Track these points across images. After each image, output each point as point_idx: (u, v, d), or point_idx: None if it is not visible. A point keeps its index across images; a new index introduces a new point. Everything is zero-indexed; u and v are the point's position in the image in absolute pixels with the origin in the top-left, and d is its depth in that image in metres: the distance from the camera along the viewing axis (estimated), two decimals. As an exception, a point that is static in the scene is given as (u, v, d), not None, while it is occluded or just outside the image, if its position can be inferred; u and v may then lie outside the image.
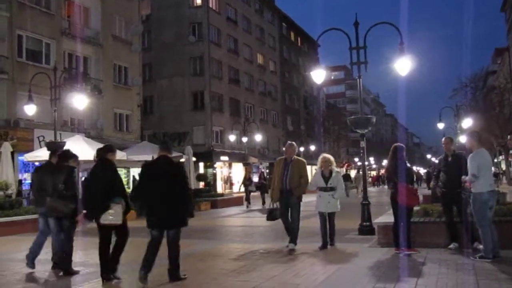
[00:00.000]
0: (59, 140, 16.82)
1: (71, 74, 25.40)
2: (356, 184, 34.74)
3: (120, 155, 16.11)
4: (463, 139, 19.76)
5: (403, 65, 10.90)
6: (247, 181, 24.41)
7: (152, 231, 6.53)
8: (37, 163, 21.56)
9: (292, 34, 63.67)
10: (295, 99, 62.76)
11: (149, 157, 18.52)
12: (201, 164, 38.91)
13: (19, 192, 18.95)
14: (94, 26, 28.96)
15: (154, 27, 41.97)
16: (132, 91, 32.07)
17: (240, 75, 47.86)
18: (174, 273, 6.49)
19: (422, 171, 68.10)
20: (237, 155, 41.72)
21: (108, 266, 6.66)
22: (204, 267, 7.63)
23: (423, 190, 22.74)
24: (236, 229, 14.59)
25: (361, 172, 20.51)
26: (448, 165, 8.59)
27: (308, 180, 9.22)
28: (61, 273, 7.25)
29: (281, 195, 9.03)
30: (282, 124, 57.17)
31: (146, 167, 6.86)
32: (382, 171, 63.43)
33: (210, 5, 43.43)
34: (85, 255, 8.78)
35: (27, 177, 23.99)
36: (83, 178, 13.61)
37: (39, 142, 22.25)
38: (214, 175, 41.56)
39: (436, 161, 12.26)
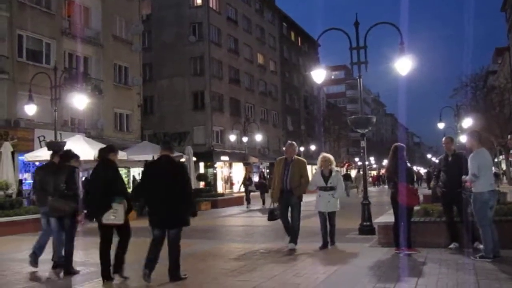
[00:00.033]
0: (59, 140, 16.83)
1: (71, 74, 25.39)
2: (356, 184, 34.72)
3: (120, 155, 16.08)
4: (463, 138, 19.75)
5: (404, 65, 10.90)
6: (247, 181, 24.41)
7: (154, 231, 6.56)
8: (37, 163, 21.58)
9: (292, 34, 63.66)
10: (295, 99, 62.76)
11: (149, 157, 18.56)
12: (202, 164, 38.91)
13: (20, 192, 18.96)
14: (95, 26, 28.96)
15: (155, 27, 41.97)
16: (133, 91, 32.08)
17: (241, 75, 47.86)
18: (174, 273, 6.49)
19: (423, 171, 68.10)
20: (238, 155, 41.72)
21: (114, 266, 6.69)
22: (204, 266, 7.63)
23: (423, 190, 22.73)
24: (236, 229, 14.58)
25: (361, 172, 20.51)
26: (448, 164, 8.58)
27: (308, 180, 9.21)
28: (62, 273, 7.25)
29: (282, 195, 9.03)
30: (283, 124, 57.17)
31: (148, 166, 6.91)
32: (383, 171, 63.45)
33: (211, 5, 43.43)
34: (85, 255, 8.78)
35: (27, 177, 24.02)
36: (83, 178, 13.65)
37: (40, 142, 22.27)
38: (215, 175, 41.56)
39: (437, 161, 12.26)
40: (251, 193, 23.94)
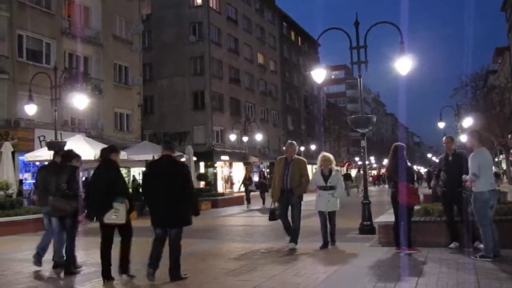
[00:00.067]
0: (59, 140, 16.83)
1: (71, 74, 25.39)
2: (356, 184, 34.76)
3: (120, 154, 16.11)
4: (463, 138, 19.74)
5: (404, 65, 10.89)
6: (247, 181, 24.40)
7: (156, 230, 6.61)
8: (37, 163, 21.61)
9: (292, 33, 63.66)
10: (295, 98, 62.76)
11: (149, 157, 18.58)
12: (202, 164, 38.93)
13: (20, 192, 18.95)
14: (95, 26, 28.96)
15: (155, 26, 41.97)
16: (133, 90, 32.09)
17: (241, 74, 47.86)
18: (175, 273, 6.50)
19: (423, 170, 68.05)
20: (238, 154, 41.72)
21: (121, 267, 6.75)
22: (205, 266, 7.63)
23: (423, 189, 22.71)
24: (236, 229, 14.58)
25: (361, 172, 20.51)
26: (448, 164, 8.58)
27: (309, 179, 9.20)
28: (62, 273, 7.25)
29: (282, 194, 9.02)
30: (283, 124, 57.17)
31: (150, 166, 6.97)
32: (383, 171, 63.41)
33: (211, 5, 43.43)
34: (86, 254, 8.77)
35: (27, 177, 24.03)
36: (83, 178, 13.65)
37: (40, 142, 22.27)
38: (215, 174, 41.57)
39: (437, 160, 12.24)
40: (251, 193, 23.94)
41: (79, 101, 17.97)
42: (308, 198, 9.30)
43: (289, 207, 9.07)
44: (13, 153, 17.42)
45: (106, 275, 6.61)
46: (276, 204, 9.28)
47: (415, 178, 19.87)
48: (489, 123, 36.23)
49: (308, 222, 11.15)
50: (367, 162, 14.33)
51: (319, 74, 11.74)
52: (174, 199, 6.45)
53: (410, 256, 7.70)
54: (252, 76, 50.47)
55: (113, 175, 6.82)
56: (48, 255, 7.97)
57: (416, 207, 8.91)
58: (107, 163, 6.95)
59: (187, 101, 41.89)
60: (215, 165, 42.23)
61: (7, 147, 16.83)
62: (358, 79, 11.31)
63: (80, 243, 8.08)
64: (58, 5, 26.23)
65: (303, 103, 65.43)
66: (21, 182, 21.98)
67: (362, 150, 11.87)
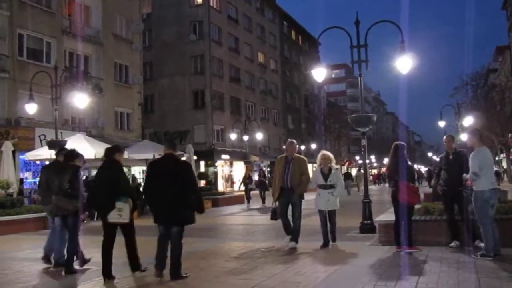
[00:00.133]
0: (60, 139, 16.82)
1: (72, 73, 25.40)
2: (357, 182, 34.77)
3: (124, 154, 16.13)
4: (464, 137, 19.73)
5: (404, 64, 10.89)
6: (247, 180, 24.40)
7: (159, 228, 6.67)
8: (38, 162, 21.62)
9: (293, 32, 63.64)
10: (296, 97, 62.76)
11: (150, 156, 18.59)
12: (202, 163, 38.98)
13: (20, 191, 18.97)
14: (95, 25, 28.96)
15: (155, 25, 41.98)
16: (133, 89, 32.09)
17: (241, 73, 47.87)
18: (175, 272, 6.51)
19: (423, 169, 68.02)
20: (238, 153, 41.74)
21: (132, 265, 6.85)
22: (206, 265, 7.64)
23: (424, 188, 22.71)
24: (237, 228, 14.59)
25: (362, 171, 20.52)
26: (449, 163, 8.57)
27: (309, 178, 9.19)
28: (63, 272, 7.26)
29: (282, 193, 9.02)
30: (283, 123, 57.18)
31: (151, 165, 7.01)
32: (383, 169, 63.39)
33: (211, 4, 43.43)
34: (87, 253, 8.74)
35: (28, 176, 24.04)
36: (84, 177, 13.67)
37: (40, 141, 22.27)
38: (215, 173, 41.60)
39: (437, 159, 12.21)
40: (251, 192, 23.95)
41: (80, 100, 17.97)
42: (308, 197, 9.30)
43: (289, 206, 9.07)
44: (13, 152, 17.42)
45: (107, 274, 6.62)
46: (277, 203, 9.28)
47: (416, 177, 19.89)
48: (490, 122, 36.21)
49: (308, 221, 11.14)
50: (367, 161, 14.33)
51: (319, 73, 11.75)
52: (176, 198, 6.47)
53: (411, 255, 7.70)
54: (253, 75, 50.46)
55: (117, 175, 6.87)
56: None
57: (417, 206, 8.91)
58: (111, 163, 7.01)
59: (187, 100, 41.90)
60: (216, 164, 42.26)
61: (8, 146, 16.83)
62: (359, 78, 11.29)
63: (80, 242, 8.07)
64: (58, 4, 26.23)
65: (304, 102, 65.43)
66: (21, 181, 22.00)
67: (362, 149, 11.87)
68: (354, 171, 47.82)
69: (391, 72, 13.28)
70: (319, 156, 9.38)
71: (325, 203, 8.99)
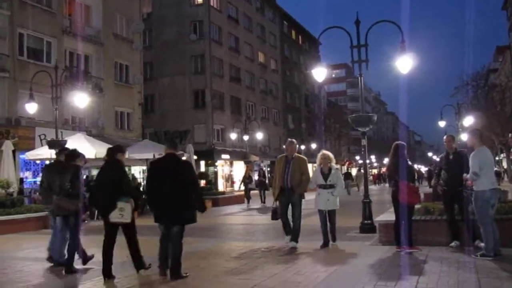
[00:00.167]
0: (60, 139, 16.82)
1: (72, 72, 25.41)
2: (357, 182, 34.77)
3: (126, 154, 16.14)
4: (464, 137, 19.73)
5: (405, 63, 10.88)
6: (247, 179, 24.39)
7: (160, 227, 6.70)
8: (38, 161, 21.63)
9: (293, 32, 63.63)
10: (296, 97, 62.75)
11: (150, 156, 18.57)
12: (202, 163, 38.97)
13: (21, 191, 18.97)
14: (95, 25, 28.95)
15: (155, 25, 41.98)
16: (133, 89, 32.09)
17: (241, 73, 47.86)
18: (176, 271, 6.51)
19: (423, 169, 68.01)
20: (238, 153, 41.73)
21: (136, 265, 6.86)
22: (206, 265, 7.64)
23: (424, 188, 22.72)
24: (237, 227, 14.59)
25: (362, 170, 20.52)
26: (449, 163, 8.57)
27: (309, 177, 9.17)
28: (63, 271, 7.26)
29: (282, 192, 9.01)
30: (283, 122, 57.17)
31: (153, 164, 7.02)
32: (383, 169, 63.39)
33: (211, 3, 43.42)
34: (87, 252, 8.76)
35: (28, 176, 24.05)
36: (84, 176, 13.67)
37: (41, 140, 22.26)
38: (215, 173, 41.60)
39: (438, 159, 12.21)
40: (251, 191, 23.96)
41: (80, 99, 17.97)
42: (309, 197, 9.29)
43: (289, 206, 9.06)
44: (13, 151, 17.42)
45: (107, 273, 6.63)
46: (277, 203, 9.27)
47: (416, 177, 19.91)
48: (490, 122, 36.19)
49: (308, 221, 11.14)
50: (367, 161, 14.32)
51: (319, 73, 11.75)
52: (177, 198, 6.48)
53: (411, 255, 7.70)
54: (253, 75, 50.46)
55: (118, 175, 6.90)
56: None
57: (417, 206, 8.91)
58: (113, 163, 7.03)
59: (187, 100, 41.91)
60: (216, 163, 42.25)
61: (8, 145, 16.84)
62: (359, 78, 11.29)
63: (81, 241, 8.08)
64: (59, 4, 26.23)
65: (304, 101, 65.42)
66: (21, 180, 22.01)
67: (362, 149, 11.87)
68: (354, 171, 47.84)
69: (391, 72, 13.29)
70: (319, 155, 9.37)
71: (325, 203, 8.98)
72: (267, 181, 24.94)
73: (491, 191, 7.29)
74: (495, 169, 12.73)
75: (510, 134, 29.88)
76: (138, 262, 6.88)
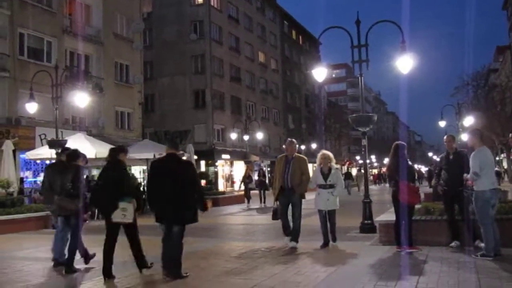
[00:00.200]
0: (60, 138, 16.82)
1: (72, 72, 25.41)
2: (357, 182, 34.76)
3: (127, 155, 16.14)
4: (464, 137, 19.72)
5: (405, 63, 10.89)
6: (247, 179, 24.38)
7: (160, 227, 6.70)
8: (38, 161, 21.63)
9: (293, 32, 63.62)
10: (296, 97, 62.75)
11: (150, 155, 18.58)
12: (203, 162, 38.96)
13: (21, 190, 18.97)
14: (96, 24, 28.96)
15: (156, 25, 41.98)
16: (134, 89, 32.09)
17: (242, 73, 47.86)
18: (176, 271, 6.51)
19: (424, 169, 68.00)
20: (239, 153, 41.73)
21: (139, 264, 6.88)
22: (206, 265, 7.64)
23: (424, 188, 22.71)
24: (237, 227, 14.59)
25: (362, 170, 20.51)
26: (449, 163, 8.57)
27: (309, 177, 9.16)
28: (63, 271, 7.26)
29: (282, 192, 9.00)
30: (284, 122, 57.16)
31: (153, 164, 7.03)
32: (384, 169, 63.37)
33: (212, 3, 43.41)
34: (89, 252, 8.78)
35: (28, 175, 24.05)
36: (84, 176, 13.67)
37: (41, 140, 22.23)
38: (216, 173, 41.59)
39: (438, 159, 12.21)
40: (252, 191, 23.94)
41: (80, 99, 17.97)
42: (309, 197, 9.29)
43: (289, 206, 9.06)
44: (14, 151, 17.43)
45: (107, 273, 6.63)
46: (278, 203, 9.26)
47: (416, 177, 19.89)
48: (490, 122, 36.18)
49: (308, 221, 11.14)
50: (368, 161, 14.32)
51: (320, 73, 11.75)
52: (178, 197, 6.48)
53: (411, 255, 7.70)
54: (253, 75, 50.46)
55: (121, 175, 6.92)
56: (49, 254, 7.99)
57: (417, 206, 8.91)
58: (115, 163, 7.04)
59: (188, 100, 41.91)
60: (216, 163, 42.24)
61: (8, 145, 16.84)
62: (359, 78, 11.29)
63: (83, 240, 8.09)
64: (59, 3, 26.24)
65: (304, 101, 65.42)
66: (22, 180, 22.01)
67: (363, 149, 11.86)
68: (354, 171, 47.83)
69: (391, 72, 13.28)
70: (318, 155, 9.36)
71: (325, 202, 8.97)
72: (267, 181, 24.89)
73: (491, 191, 7.29)
74: (496, 169, 12.72)
75: (510, 134, 29.85)
76: (141, 261, 6.89)
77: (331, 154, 9.37)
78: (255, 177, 26.90)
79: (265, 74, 53.33)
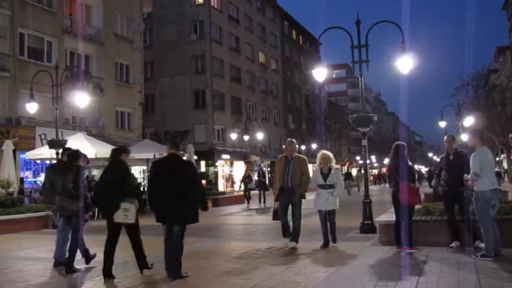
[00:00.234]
0: (60, 138, 16.83)
1: (72, 72, 25.41)
2: (357, 183, 34.75)
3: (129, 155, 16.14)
4: (465, 137, 19.72)
5: (405, 64, 10.89)
6: (246, 179, 24.37)
7: (161, 227, 6.72)
8: (38, 161, 21.63)
9: (293, 32, 63.63)
10: (296, 97, 62.74)
11: (150, 155, 18.58)
12: (203, 163, 38.96)
13: (21, 190, 18.98)
14: (96, 24, 28.96)
15: (156, 25, 41.98)
16: (134, 89, 32.10)
17: (242, 73, 47.87)
18: (176, 271, 6.51)
19: (424, 169, 68.01)
20: (239, 153, 41.73)
21: (140, 264, 6.87)
22: (206, 265, 7.64)
23: (424, 189, 22.71)
24: (237, 227, 14.59)
25: (362, 171, 20.51)
26: (450, 163, 8.57)
27: (309, 177, 9.15)
28: (64, 271, 7.27)
29: (282, 193, 8.99)
30: (284, 123, 57.16)
31: (154, 164, 7.04)
32: (384, 170, 63.37)
33: (212, 3, 43.42)
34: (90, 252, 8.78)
35: (28, 175, 24.05)
36: (85, 176, 13.68)
37: (41, 140, 22.18)
38: (216, 173, 41.59)
39: (438, 160, 12.22)
40: (252, 192, 23.94)
41: (80, 99, 17.97)
42: (309, 197, 9.28)
43: (289, 206, 9.05)
44: (14, 151, 17.44)
45: (107, 273, 6.63)
46: (277, 203, 9.25)
47: (416, 178, 19.89)
48: (491, 122, 36.16)
49: (308, 221, 11.13)
50: (368, 161, 14.33)
51: (320, 73, 11.75)
52: (178, 197, 6.49)
53: (411, 255, 7.70)
54: (253, 75, 50.46)
55: (123, 175, 6.92)
56: (49, 253, 7.99)
57: (417, 206, 8.91)
58: (117, 164, 7.05)
59: (188, 100, 41.91)
60: (216, 164, 42.24)
61: (8, 145, 16.85)
62: (359, 78, 11.30)
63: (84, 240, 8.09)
64: (59, 3, 26.24)
65: (304, 102, 65.41)
66: (22, 180, 22.01)
67: (363, 149, 11.86)
68: (354, 171, 47.83)
69: (391, 72, 13.27)
70: (318, 155, 9.34)
71: (324, 203, 8.95)
72: (267, 182, 24.88)
73: (491, 191, 7.29)
74: (496, 169, 12.73)
75: (510, 135, 29.89)
76: (142, 262, 6.88)
77: (331, 154, 9.35)
78: (255, 177, 26.91)
79: (265, 74, 53.33)
